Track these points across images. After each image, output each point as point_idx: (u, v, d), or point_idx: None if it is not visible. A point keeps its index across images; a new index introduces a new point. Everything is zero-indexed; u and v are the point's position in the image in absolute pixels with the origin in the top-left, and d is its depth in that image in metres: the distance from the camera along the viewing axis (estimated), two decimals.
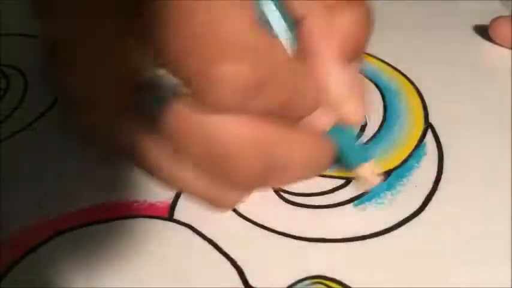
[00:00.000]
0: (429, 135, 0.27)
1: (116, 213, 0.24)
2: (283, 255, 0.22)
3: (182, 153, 0.20)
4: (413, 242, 0.22)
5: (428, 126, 0.27)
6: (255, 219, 0.23)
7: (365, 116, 0.22)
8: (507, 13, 0.34)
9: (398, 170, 0.25)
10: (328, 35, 0.20)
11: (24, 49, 0.34)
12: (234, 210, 0.24)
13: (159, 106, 0.19)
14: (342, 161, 0.23)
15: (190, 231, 0.23)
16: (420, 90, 0.29)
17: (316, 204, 0.24)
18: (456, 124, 0.27)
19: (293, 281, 0.21)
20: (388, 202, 0.24)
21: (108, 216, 0.24)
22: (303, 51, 0.20)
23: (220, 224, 0.23)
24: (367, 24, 0.21)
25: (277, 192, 0.25)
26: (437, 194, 0.24)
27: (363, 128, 0.27)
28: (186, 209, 0.24)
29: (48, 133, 0.28)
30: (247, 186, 0.21)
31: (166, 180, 0.22)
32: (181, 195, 0.24)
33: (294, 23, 0.20)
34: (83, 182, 0.25)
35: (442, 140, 0.27)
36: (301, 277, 0.21)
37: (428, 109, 0.28)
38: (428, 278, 0.21)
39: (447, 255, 0.22)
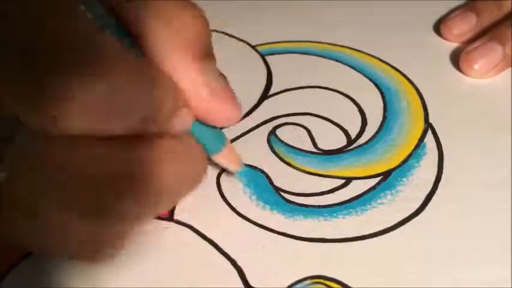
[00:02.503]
0: (429, 135, 0.27)
1: None
2: (283, 255, 0.22)
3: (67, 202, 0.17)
4: (413, 242, 0.22)
5: (428, 126, 0.27)
6: (255, 219, 0.23)
7: (236, 116, 0.21)
8: None
9: (398, 170, 0.25)
10: (172, 39, 0.19)
11: None
12: (234, 210, 0.24)
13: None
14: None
15: (190, 232, 0.23)
16: (420, 90, 0.29)
17: (316, 204, 0.24)
18: (456, 124, 0.27)
19: (293, 281, 0.21)
20: (388, 202, 0.24)
21: None
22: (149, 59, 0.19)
23: (221, 224, 0.23)
24: (204, 19, 0.20)
25: (277, 192, 0.25)
26: (437, 194, 0.24)
27: (363, 127, 0.27)
28: (186, 209, 0.24)
29: None
30: (139, 213, 0.19)
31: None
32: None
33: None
34: None
35: (442, 140, 0.27)
36: (301, 277, 0.21)
37: (428, 109, 0.28)
38: (428, 278, 0.21)
39: (447, 255, 0.22)
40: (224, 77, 0.21)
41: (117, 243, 0.19)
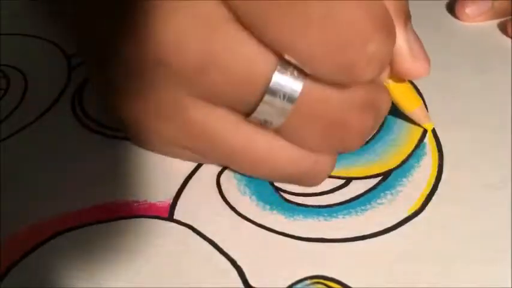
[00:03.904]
0: (429, 135, 0.27)
1: (116, 213, 0.24)
2: (283, 255, 0.22)
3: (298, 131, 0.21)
4: (413, 242, 0.22)
5: None
6: (255, 219, 0.23)
7: (428, 71, 0.23)
8: None
9: (398, 170, 0.25)
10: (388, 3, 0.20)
11: (24, 49, 0.34)
12: (234, 210, 0.24)
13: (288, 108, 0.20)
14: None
15: (190, 231, 0.23)
16: (420, 90, 0.29)
17: (316, 204, 0.24)
18: (456, 124, 0.27)
19: (293, 281, 0.21)
20: (388, 202, 0.24)
21: (108, 216, 0.24)
22: None
23: (220, 224, 0.23)
24: None
25: (277, 191, 0.25)
26: (437, 194, 0.24)
27: None
28: (186, 209, 0.24)
29: (48, 133, 0.28)
30: (359, 144, 0.23)
31: (241, 155, 0.23)
32: (182, 195, 0.24)
33: None
34: (83, 182, 0.25)
35: (442, 140, 0.27)
36: (301, 277, 0.21)
37: (429, 109, 0.28)
38: (428, 278, 0.21)
39: (447, 255, 0.22)
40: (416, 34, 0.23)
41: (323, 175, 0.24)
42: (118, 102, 0.23)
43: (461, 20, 0.35)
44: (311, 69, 0.19)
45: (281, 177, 0.24)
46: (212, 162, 0.25)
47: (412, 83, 0.30)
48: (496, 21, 0.34)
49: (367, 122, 0.21)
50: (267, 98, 0.19)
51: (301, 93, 0.19)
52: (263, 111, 0.20)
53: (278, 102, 0.19)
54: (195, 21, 0.19)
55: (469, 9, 0.34)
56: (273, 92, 0.19)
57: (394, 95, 0.24)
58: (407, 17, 0.22)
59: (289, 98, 0.19)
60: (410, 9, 0.22)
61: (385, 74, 0.23)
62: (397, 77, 0.24)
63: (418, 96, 0.28)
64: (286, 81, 0.19)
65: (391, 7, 0.20)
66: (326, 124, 0.20)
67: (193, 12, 0.19)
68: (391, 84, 0.24)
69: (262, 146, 0.22)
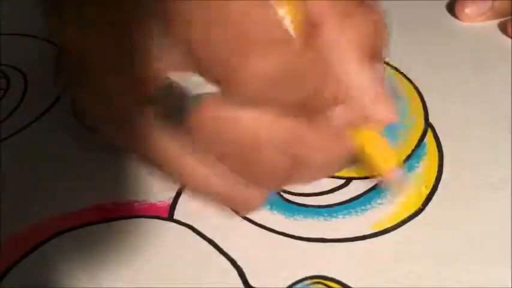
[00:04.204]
0: (429, 135, 0.27)
1: (116, 213, 0.24)
2: (283, 255, 0.22)
3: (208, 152, 0.20)
4: (413, 242, 0.22)
5: (428, 126, 0.27)
6: (255, 219, 0.23)
7: (393, 116, 0.21)
8: None
9: None
10: (344, 38, 0.19)
11: (24, 49, 0.34)
12: (234, 210, 0.24)
13: (187, 108, 0.18)
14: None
15: (190, 231, 0.23)
16: (420, 90, 0.29)
17: (316, 204, 0.24)
18: (456, 124, 0.27)
19: (293, 281, 0.21)
20: (388, 202, 0.24)
21: (109, 216, 0.24)
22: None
23: (220, 224, 0.23)
24: (380, 25, 0.20)
25: (277, 192, 0.24)
26: (437, 194, 0.24)
27: None
28: (186, 209, 0.24)
29: (48, 133, 0.28)
30: (273, 183, 0.21)
31: (185, 182, 0.22)
32: (182, 195, 0.24)
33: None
34: (83, 182, 0.25)
35: (442, 140, 0.27)
36: (301, 277, 0.21)
37: (428, 109, 0.28)
38: (428, 278, 0.21)
39: (447, 255, 0.22)
40: (384, 79, 0.21)
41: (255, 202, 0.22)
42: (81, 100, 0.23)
43: (461, 20, 0.34)
44: (199, 63, 0.17)
45: (202, 194, 0.22)
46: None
47: (412, 82, 0.30)
48: (496, 21, 0.34)
49: (279, 163, 0.19)
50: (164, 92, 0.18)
51: (204, 101, 0.18)
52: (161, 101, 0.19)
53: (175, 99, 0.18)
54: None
55: (469, 9, 0.34)
56: (170, 90, 0.18)
57: (366, 147, 0.21)
58: (372, 55, 0.20)
59: (191, 101, 0.18)
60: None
61: (340, 118, 0.20)
62: (369, 125, 0.21)
63: (396, 156, 0.23)
64: (190, 83, 0.18)
65: (356, 43, 0.19)
66: (232, 145, 0.19)
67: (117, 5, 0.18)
68: (358, 132, 0.21)
69: (171, 152, 0.20)
